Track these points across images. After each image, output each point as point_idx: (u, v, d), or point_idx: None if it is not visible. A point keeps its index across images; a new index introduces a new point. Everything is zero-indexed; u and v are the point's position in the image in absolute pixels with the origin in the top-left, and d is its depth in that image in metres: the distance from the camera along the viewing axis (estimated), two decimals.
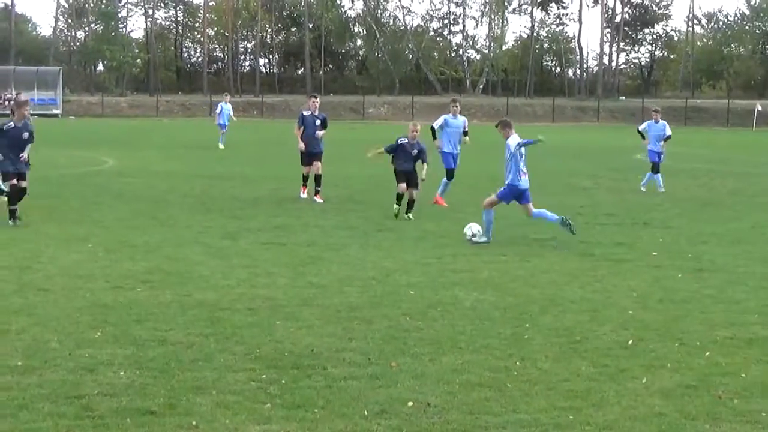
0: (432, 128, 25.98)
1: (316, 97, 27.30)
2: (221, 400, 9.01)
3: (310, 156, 26.36)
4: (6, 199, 20.71)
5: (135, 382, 9.52)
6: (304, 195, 26.20)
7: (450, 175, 25.69)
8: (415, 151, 22.07)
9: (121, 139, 56.78)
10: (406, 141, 22.12)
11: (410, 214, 22.03)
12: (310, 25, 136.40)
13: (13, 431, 8.23)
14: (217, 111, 51.48)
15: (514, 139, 19.22)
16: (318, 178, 26.08)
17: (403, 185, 21.94)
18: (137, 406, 8.81)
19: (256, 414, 8.68)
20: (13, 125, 20.17)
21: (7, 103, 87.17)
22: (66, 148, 46.10)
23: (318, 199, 25.72)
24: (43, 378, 9.61)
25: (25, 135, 20.16)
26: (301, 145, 26.59)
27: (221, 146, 48.80)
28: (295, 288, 14.31)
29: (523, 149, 19.23)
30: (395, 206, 22.29)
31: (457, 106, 26.34)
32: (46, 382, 9.45)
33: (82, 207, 23.72)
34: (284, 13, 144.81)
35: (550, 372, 10.09)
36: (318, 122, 26.40)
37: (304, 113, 26.75)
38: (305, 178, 26.47)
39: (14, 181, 20.01)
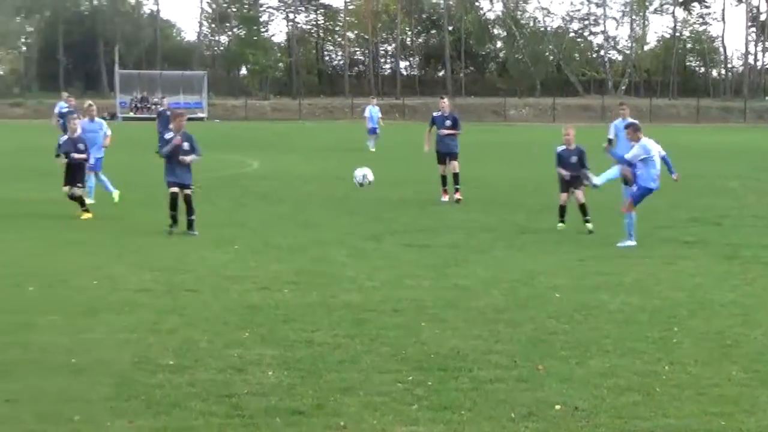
0: (609, 140, 25.44)
1: (443, 98, 27.78)
2: (368, 401, 9.07)
3: (444, 155, 26.61)
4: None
5: (283, 382, 9.64)
6: (445, 199, 26.22)
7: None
8: (574, 158, 21.08)
9: (265, 141, 57.45)
10: (564, 148, 21.38)
11: (590, 225, 20.69)
12: (450, 28, 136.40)
13: (167, 429, 8.41)
14: (366, 115, 51.78)
15: (649, 142, 19.06)
16: (456, 177, 26.36)
17: (564, 195, 21.17)
18: (286, 405, 8.93)
19: (403, 415, 8.72)
20: (172, 134, 20.43)
21: (153, 107, 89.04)
22: (212, 151, 46.69)
23: (457, 196, 26.12)
24: (194, 377, 9.80)
25: (186, 146, 20.35)
26: (426, 147, 27.24)
27: (372, 149, 49.12)
28: (440, 290, 14.34)
29: (658, 157, 19.12)
30: (559, 224, 21.13)
31: (624, 109, 25.58)
32: (197, 381, 9.64)
33: (228, 209, 24.14)
34: (423, 16, 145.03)
35: (700, 376, 9.92)
36: (448, 122, 26.65)
37: (435, 114, 27.20)
38: (444, 180, 26.53)
39: (175, 190, 20.17)
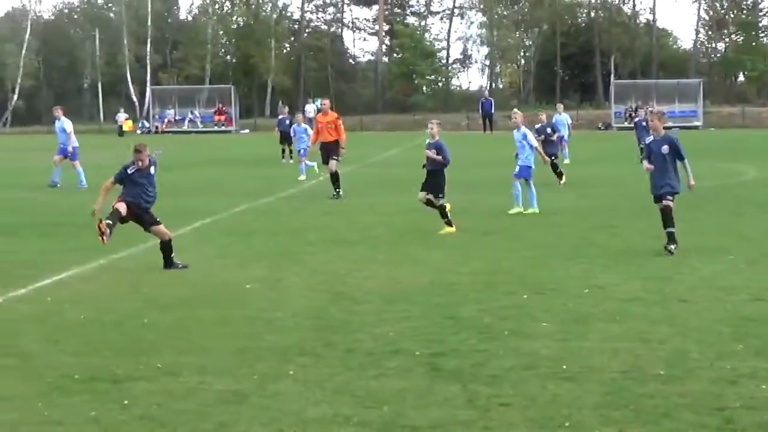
0: None
1: None
2: None
3: None
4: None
5: None
6: None
7: None
8: None
9: (762, 149, 55.64)
10: None
11: None
12: None
13: None
14: None
15: None
16: None
17: None
18: None
19: None
20: (652, 138, 19.85)
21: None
22: (704, 159, 45.99)
23: None
24: (684, 387, 9.68)
25: (665, 149, 19.47)
26: None
27: None
28: None
29: None
30: None
31: None
32: (687, 392, 9.52)
33: (721, 218, 23.52)
34: None
35: None
36: None
37: None
38: None
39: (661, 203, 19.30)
